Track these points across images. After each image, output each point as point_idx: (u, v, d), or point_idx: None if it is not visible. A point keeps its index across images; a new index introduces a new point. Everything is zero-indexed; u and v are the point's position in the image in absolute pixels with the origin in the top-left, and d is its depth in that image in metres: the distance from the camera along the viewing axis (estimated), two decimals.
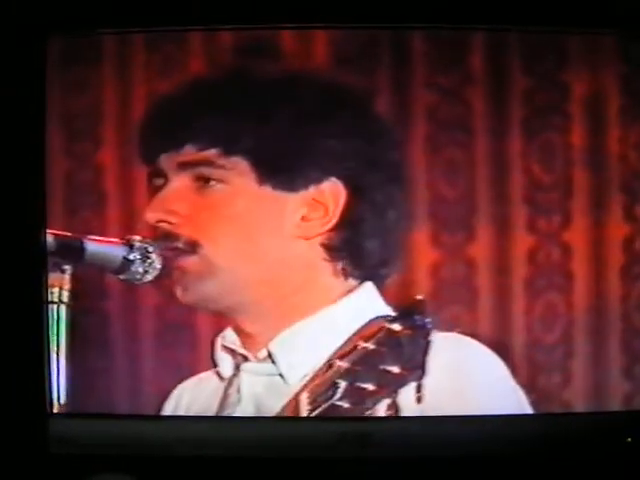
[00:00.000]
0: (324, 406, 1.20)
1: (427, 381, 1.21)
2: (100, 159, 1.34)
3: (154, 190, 1.30)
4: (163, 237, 1.28)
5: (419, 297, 1.26)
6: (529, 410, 1.30)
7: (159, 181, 1.30)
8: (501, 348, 1.30)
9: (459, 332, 1.30)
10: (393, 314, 1.22)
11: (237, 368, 1.31)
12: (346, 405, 1.19)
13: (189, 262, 1.28)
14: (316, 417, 1.25)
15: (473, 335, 1.31)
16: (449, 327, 1.30)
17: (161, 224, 1.29)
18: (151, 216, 1.29)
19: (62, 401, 1.30)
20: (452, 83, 1.32)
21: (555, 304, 1.32)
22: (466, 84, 1.32)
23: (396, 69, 1.31)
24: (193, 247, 1.27)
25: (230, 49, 1.31)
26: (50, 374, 1.32)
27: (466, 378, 1.28)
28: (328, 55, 1.30)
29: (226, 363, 1.31)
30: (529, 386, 1.30)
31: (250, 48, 1.30)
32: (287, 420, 1.28)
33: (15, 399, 1.37)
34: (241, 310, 1.29)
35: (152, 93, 1.32)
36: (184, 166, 1.28)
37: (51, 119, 1.34)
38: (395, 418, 1.27)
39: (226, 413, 1.31)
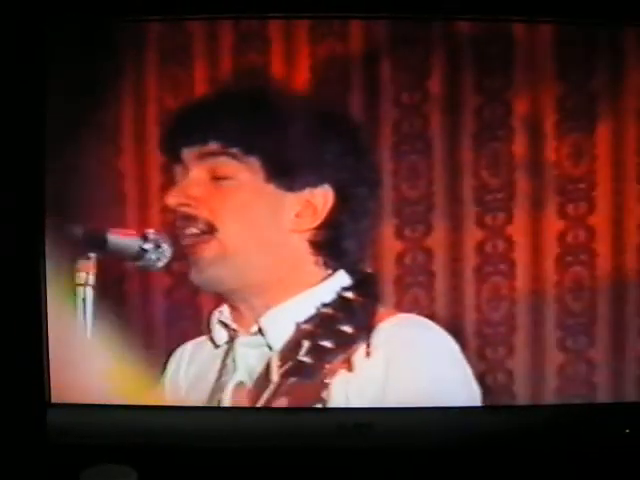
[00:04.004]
0: (291, 362, 1.25)
1: (386, 354, 1.30)
2: (120, 164, 1.39)
3: (173, 179, 1.36)
4: (184, 218, 1.35)
5: (369, 270, 1.35)
6: (473, 381, 1.37)
7: (179, 171, 1.36)
8: (454, 325, 1.38)
9: (417, 313, 1.37)
10: (347, 285, 1.30)
11: (231, 340, 1.38)
12: (309, 361, 1.24)
13: (206, 246, 1.34)
14: (315, 408, 1.29)
15: (431, 313, 1.37)
16: (411, 307, 1.37)
17: (181, 207, 1.35)
18: (173, 200, 1.35)
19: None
20: (415, 101, 1.37)
21: (500, 287, 1.39)
22: (426, 102, 1.37)
23: (369, 91, 1.37)
24: (211, 228, 1.33)
25: (251, 73, 1.37)
26: (49, 364, 1.35)
27: (419, 351, 1.36)
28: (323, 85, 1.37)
29: (221, 334, 1.38)
30: (478, 357, 1.38)
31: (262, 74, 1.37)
32: (285, 410, 1.30)
33: (14, 390, 1.38)
34: (240, 291, 1.36)
35: (180, 99, 1.37)
36: (205, 158, 1.33)
37: (82, 127, 1.38)
38: (394, 409, 1.34)
39: (224, 380, 1.38)
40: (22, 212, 1.38)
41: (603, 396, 1.40)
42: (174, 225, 1.36)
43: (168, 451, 1.35)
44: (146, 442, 1.35)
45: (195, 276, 1.36)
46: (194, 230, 1.35)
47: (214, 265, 1.35)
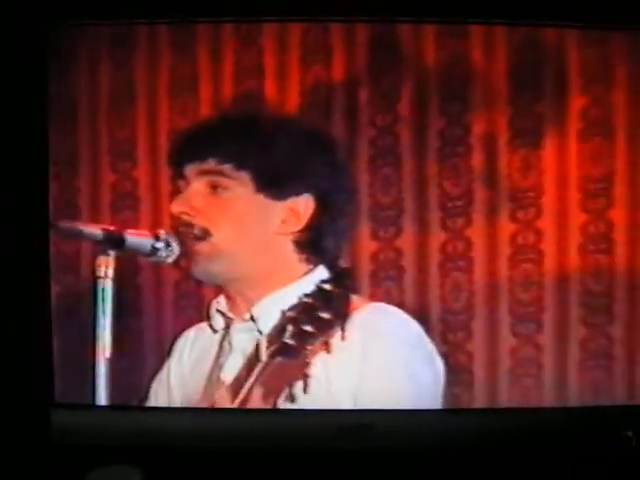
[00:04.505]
0: (277, 344, 1.32)
1: (360, 337, 1.38)
2: (136, 175, 1.52)
3: (178, 190, 1.47)
4: (184, 224, 1.44)
5: (345, 266, 1.46)
6: (438, 359, 1.46)
7: (182, 184, 1.47)
8: (421, 312, 1.48)
9: (388, 303, 1.46)
10: (326, 278, 1.37)
11: (227, 326, 1.48)
12: (293, 343, 1.30)
13: (202, 247, 1.43)
14: (315, 409, 1.35)
15: (400, 303, 1.47)
16: (383, 297, 1.47)
17: (182, 215, 1.45)
18: (176, 209, 1.45)
19: (107, 349, 1.35)
20: (387, 122, 1.49)
21: (460, 281, 1.49)
22: (397, 123, 1.49)
23: (348, 114, 1.50)
24: (205, 234, 1.43)
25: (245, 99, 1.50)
26: (53, 364, 1.36)
27: (389, 335, 1.45)
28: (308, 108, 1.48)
29: (218, 321, 1.49)
30: (441, 340, 1.48)
31: (252, 99, 1.49)
32: (286, 412, 1.33)
33: (18, 390, 1.36)
34: (235, 284, 1.47)
35: (182, 124, 1.49)
36: (204, 173, 1.43)
37: (101, 144, 1.50)
38: (394, 411, 1.40)
39: (221, 360, 1.46)
40: (22, 212, 1.41)
41: (551, 376, 1.53)
42: (178, 229, 1.47)
43: (173, 451, 1.37)
44: (151, 443, 1.37)
45: (195, 271, 1.47)
46: (193, 234, 1.45)
47: (210, 262, 1.45)
